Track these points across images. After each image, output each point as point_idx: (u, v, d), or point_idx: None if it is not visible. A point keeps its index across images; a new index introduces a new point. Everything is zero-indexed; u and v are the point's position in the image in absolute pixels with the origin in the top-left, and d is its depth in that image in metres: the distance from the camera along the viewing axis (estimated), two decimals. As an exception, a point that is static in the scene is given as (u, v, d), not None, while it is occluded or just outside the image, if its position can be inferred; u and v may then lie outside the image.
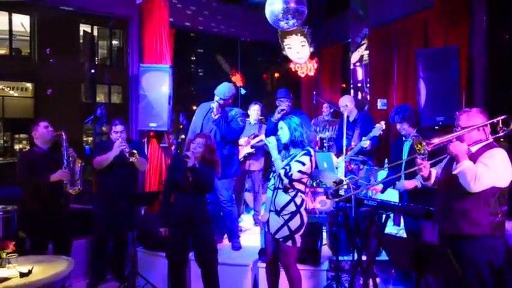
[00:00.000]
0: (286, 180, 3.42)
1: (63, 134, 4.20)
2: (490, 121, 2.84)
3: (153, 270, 4.52)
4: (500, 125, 2.79)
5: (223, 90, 4.54)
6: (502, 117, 2.80)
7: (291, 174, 3.40)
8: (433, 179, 3.04)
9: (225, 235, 4.99)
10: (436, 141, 2.72)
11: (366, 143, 4.93)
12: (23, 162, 4.19)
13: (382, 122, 4.95)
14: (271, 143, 3.55)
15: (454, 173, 2.75)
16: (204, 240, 3.83)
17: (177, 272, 3.86)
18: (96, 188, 4.78)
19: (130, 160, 4.33)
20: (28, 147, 4.08)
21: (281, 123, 3.61)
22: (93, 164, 4.54)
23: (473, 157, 2.78)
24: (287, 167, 3.42)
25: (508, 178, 2.76)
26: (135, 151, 4.36)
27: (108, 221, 4.51)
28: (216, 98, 4.55)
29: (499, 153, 2.77)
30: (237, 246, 4.70)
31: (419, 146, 2.75)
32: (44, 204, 4.07)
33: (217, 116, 4.53)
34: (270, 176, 3.79)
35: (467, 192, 2.71)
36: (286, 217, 3.45)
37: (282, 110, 4.76)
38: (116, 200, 4.44)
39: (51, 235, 4.17)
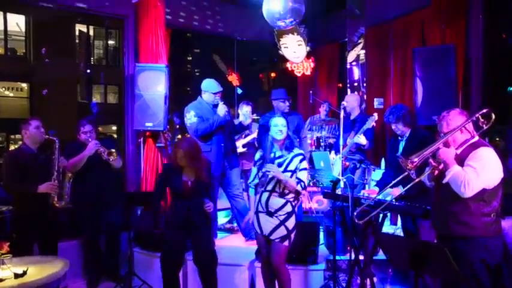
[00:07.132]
0: (304, 192, 3.59)
1: (56, 141, 3.99)
2: (469, 120, 2.79)
3: (150, 270, 4.48)
4: (481, 120, 2.74)
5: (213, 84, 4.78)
6: (481, 112, 2.75)
7: (305, 185, 3.54)
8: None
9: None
10: (415, 160, 2.68)
11: (359, 138, 4.88)
12: (10, 164, 3.94)
13: (375, 114, 4.96)
14: (276, 171, 3.41)
15: (444, 181, 2.72)
16: (203, 243, 3.79)
17: (171, 275, 3.80)
18: (75, 194, 4.33)
19: (110, 160, 4.21)
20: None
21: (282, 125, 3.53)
22: (66, 168, 4.22)
23: (460, 158, 2.74)
24: (302, 183, 3.48)
25: (498, 177, 2.71)
26: (113, 150, 4.23)
27: (92, 224, 4.39)
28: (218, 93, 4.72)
29: (486, 153, 2.71)
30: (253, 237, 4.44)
31: (406, 166, 2.72)
32: (32, 207, 3.91)
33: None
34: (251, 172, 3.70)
35: (457, 194, 2.68)
36: (282, 217, 3.46)
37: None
38: (97, 204, 4.31)
39: (37, 238, 4.02)
